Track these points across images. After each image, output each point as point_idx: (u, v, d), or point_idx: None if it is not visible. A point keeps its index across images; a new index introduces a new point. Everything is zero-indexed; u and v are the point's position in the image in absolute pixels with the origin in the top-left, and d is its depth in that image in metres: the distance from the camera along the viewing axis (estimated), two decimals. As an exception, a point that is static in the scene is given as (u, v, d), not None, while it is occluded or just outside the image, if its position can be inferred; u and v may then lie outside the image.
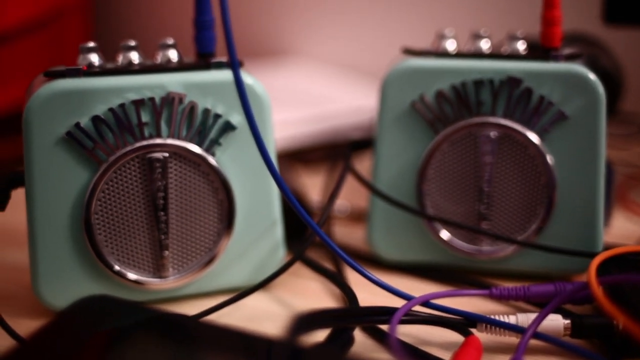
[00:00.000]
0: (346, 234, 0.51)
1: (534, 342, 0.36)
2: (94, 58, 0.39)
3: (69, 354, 0.28)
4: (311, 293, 0.43)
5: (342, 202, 0.55)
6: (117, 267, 0.39)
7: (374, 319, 0.34)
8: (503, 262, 0.44)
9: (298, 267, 0.45)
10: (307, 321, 0.28)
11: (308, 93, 0.80)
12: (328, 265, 0.45)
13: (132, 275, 0.39)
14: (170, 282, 0.40)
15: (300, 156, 0.66)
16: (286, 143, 0.65)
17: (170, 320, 0.30)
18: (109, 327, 0.30)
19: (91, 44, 0.39)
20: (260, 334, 0.28)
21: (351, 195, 0.56)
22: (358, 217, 0.53)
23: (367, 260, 0.46)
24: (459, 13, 0.83)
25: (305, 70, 0.90)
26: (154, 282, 0.40)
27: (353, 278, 0.43)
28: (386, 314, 0.34)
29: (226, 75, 0.40)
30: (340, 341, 0.32)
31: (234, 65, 0.35)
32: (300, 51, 0.97)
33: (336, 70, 0.92)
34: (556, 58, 0.43)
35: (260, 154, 0.36)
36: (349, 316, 0.33)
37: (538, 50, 0.43)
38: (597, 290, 0.33)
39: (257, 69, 0.91)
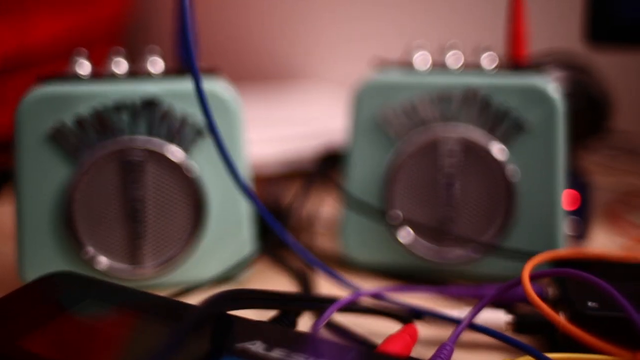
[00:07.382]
0: (332, 243, 0.53)
1: (477, 336, 0.37)
2: (85, 66, 0.43)
3: (24, 320, 0.31)
4: (280, 288, 0.45)
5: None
6: (96, 256, 0.42)
7: (313, 305, 0.35)
8: (467, 267, 0.45)
9: (275, 267, 0.47)
10: (233, 296, 0.30)
11: (321, 113, 0.83)
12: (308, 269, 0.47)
13: (109, 264, 0.43)
14: (144, 271, 0.43)
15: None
16: (285, 157, 0.67)
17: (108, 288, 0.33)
18: (61, 299, 0.33)
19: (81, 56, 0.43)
20: (187, 303, 0.31)
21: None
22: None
23: (343, 265, 0.48)
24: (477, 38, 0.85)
25: (322, 93, 0.94)
26: (128, 272, 0.43)
27: (325, 279, 0.45)
28: (331, 303, 0.36)
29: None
30: (281, 323, 0.34)
31: (196, 75, 0.38)
32: (322, 76, 1.01)
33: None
34: (519, 70, 0.44)
35: (222, 158, 0.39)
36: (286, 300, 0.35)
37: (504, 63, 0.45)
38: (528, 286, 0.34)
39: (276, 91, 0.95)
